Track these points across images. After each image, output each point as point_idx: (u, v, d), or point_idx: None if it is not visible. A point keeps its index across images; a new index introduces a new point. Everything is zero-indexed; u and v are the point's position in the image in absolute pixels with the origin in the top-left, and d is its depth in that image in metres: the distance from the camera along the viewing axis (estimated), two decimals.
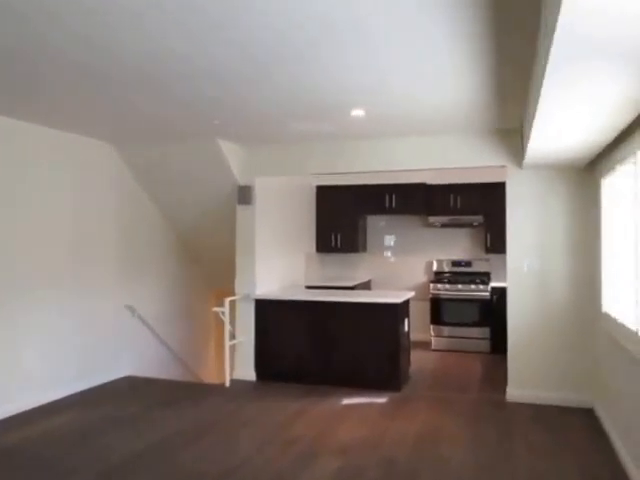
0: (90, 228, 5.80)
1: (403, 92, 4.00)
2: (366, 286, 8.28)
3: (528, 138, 3.85)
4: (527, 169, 5.18)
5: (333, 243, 8.12)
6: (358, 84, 3.81)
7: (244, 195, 5.99)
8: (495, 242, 7.70)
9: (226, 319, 5.87)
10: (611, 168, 3.98)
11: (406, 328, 5.97)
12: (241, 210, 6.07)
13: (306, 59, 3.29)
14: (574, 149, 3.96)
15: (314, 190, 8.19)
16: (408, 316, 6.09)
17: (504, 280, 7.89)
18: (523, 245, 5.29)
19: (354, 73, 3.56)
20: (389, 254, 8.51)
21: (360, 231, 8.23)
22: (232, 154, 5.88)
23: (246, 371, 6.10)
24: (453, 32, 2.89)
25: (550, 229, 5.22)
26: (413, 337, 7.30)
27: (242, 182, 6.04)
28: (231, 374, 6.05)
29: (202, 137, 5.55)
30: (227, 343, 5.90)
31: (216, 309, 5.96)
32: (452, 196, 7.84)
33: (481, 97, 4.17)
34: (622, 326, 3.69)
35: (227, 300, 5.86)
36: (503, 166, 5.35)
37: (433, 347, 7.71)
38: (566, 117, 3.01)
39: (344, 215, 8.08)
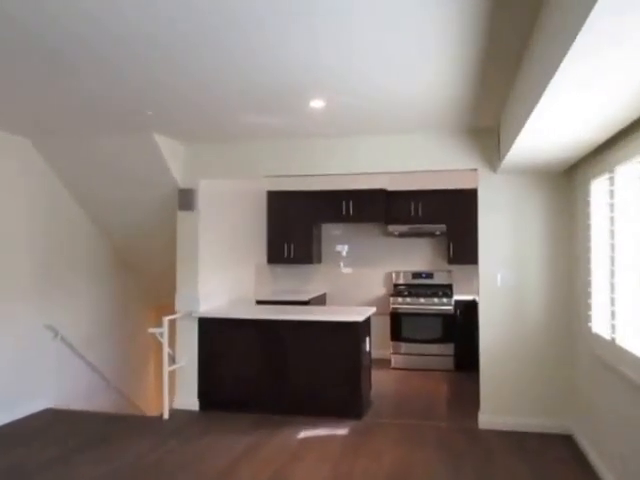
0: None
1: (372, 80, 3.43)
2: (321, 300, 7.67)
3: (515, 135, 3.35)
4: (501, 173, 4.71)
5: (285, 253, 7.48)
6: (321, 67, 3.21)
7: (186, 200, 5.28)
8: (458, 252, 7.26)
9: (164, 341, 5.13)
10: (604, 169, 3.51)
11: (367, 348, 5.38)
12: (183, 216, 5.35)
13: (263, 27, 2.67)
14: (566, 147, 3.48)
15: (265, 195, 7.54)
16: (370, 335, 5.51)
17: (467, 293, 7.49)
18: (496, 256, 4.81)
19: (318, 53, 2.96)
20: (346, 265, 7.94)
21: (315, 240, 7.63)
22: (172, 152, 5.17)
23: (188, 400, 5.37)
24: (442, 13, 2.35)
25: (526, 239, 4.75)
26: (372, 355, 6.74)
27: (183, 185, 5.34)
28: (171, 404, 5.31)
29: (135, 131, 4.81)
30: (166, 369, 5.15)
31: (152, 330, 5.21)
32: (413, 203, 7.35)
33: (458, 91, 3.65)
34: (622, 350, 3.21)
35: (166, 319, 5.12)
36: (474, 169, 4.86)
37: (393, 365, 7.17)
38: (575, 103, 2.50)
39: (297, 223, 7.46)
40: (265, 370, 5.18)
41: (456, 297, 7.10)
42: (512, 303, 4.77)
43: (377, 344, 7.34)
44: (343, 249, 7.92)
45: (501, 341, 4.78)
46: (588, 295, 3.95)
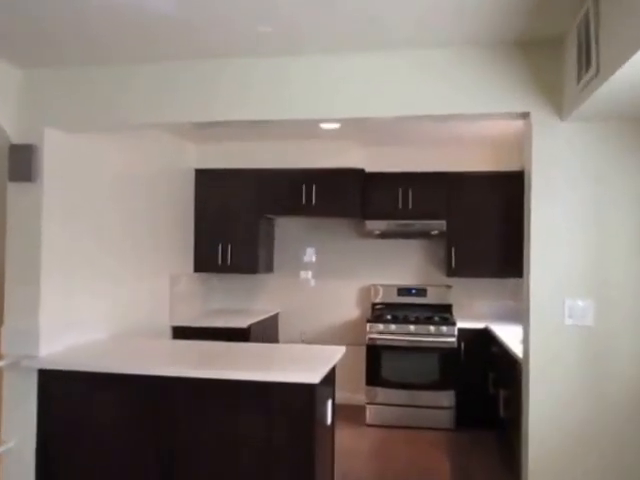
0: None
1: None
2: (271, 323, 5.50)
3: None
4: (576, 121, 2.60)
5: (220, 259, 5.26)
6: None
7: (21, 163, 3.04)
8: (462, 260, 5.18)
9: None
10: None
11: (328, 420, 3.21)
12: (16, 191, 3.12)
13: None
14: None
15: (192, 175, 5.32)
16: (333, 396, 3.35)
17: (475, 317, 5.35)
18: (560, 272, 2.69)
19: None
20: (307, 276, 5.75)
21: (263, 241, 5.43)
22: None
23: None
24: None
25: (616, 240, 2.65)
26: (338, 400, 4.64)
27: (18, 138, 3.10)
28: None
29: None
30: None
31: None
32: (401, 191, 5.22)
33: None
34: None
35: None
36: (524, 114, 2.74)
37: (369, 420, 5.01)
38: None
39: (239, 216, 5.26)
40: (151, 465, 2.95)
41: (460, 324, 4.98)
42: (589, 357, 2.66)
43: (347, 386, 5.22)
44: (304, 254, 5.76)
45: (567, 422, 2.67)
46: None
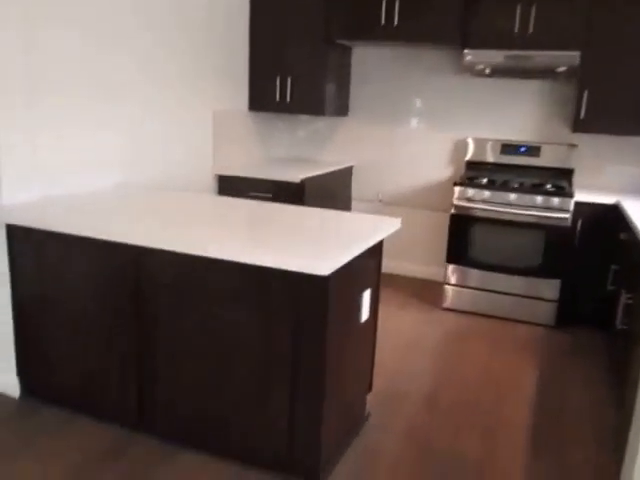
0: None
1: None
2: (342, 179, 4.60)
3: None
4: None
5: (278, 95, 4.28)
6: None
7: None
8: (597, 109, 3.82)
9: None
10: None
11: (363, 317, 2.36)
12: None
13: None
14: None
15: None
16: (377, 280, 2.46)
17: (602, 190, 3.99)
18: None
19: None
20: (390, 123, 4.65)
21: (333, 75, 4.33)
22: None
23: (3, 375, 2.69)
24: None
25: None
26: (413, 273, 3.81)
27: None
28: None
29: None
30: None
31: None
32: (520, 7, 3.80)
33: None
34: None
35: None
36: None
37: (446, 305, 4.13)
38: None
39: (303, 41, 4.16)
40: (137, 347, 2.32)
41: (580, 197, 3.75)
42: None
43: (425, 258, 4.42)
44: (386, 93, 4.60)
45: None
46: None
